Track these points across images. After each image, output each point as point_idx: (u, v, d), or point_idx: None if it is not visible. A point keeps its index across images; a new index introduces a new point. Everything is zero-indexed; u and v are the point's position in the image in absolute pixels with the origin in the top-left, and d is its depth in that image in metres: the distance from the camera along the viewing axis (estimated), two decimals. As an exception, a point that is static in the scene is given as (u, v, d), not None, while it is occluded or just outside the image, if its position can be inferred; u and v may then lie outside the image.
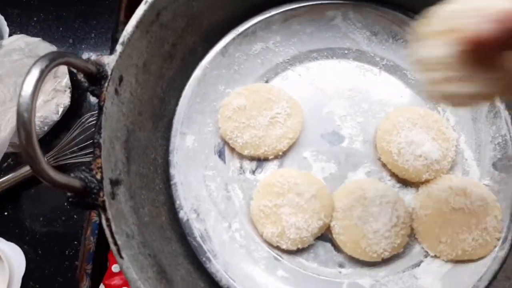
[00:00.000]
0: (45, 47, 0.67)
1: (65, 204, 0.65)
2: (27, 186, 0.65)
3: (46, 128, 0.65)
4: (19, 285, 0.59)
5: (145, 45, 0.44)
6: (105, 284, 0.65)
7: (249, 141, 0.49)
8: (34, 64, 0.32)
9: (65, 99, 0.67)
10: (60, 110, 0.66)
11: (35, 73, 0.32)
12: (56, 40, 0.71)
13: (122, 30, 0.75)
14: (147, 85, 0.45)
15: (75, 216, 0.64)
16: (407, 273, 0.47)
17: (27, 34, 0.68)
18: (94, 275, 0.64)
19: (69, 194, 0.37)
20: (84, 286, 0.64)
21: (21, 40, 0.67)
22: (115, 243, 0.36)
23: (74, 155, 0.66)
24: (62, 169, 0.63)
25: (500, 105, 0.51)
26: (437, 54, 0.31)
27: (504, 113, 0.51)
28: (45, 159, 0.33)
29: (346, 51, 0.53)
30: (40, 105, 0.63)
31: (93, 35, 0.73)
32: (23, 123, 0.31)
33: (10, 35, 0.71)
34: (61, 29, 0.73)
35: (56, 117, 0.66)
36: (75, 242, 0.63)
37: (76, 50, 0.72)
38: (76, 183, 0.36)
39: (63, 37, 0.72)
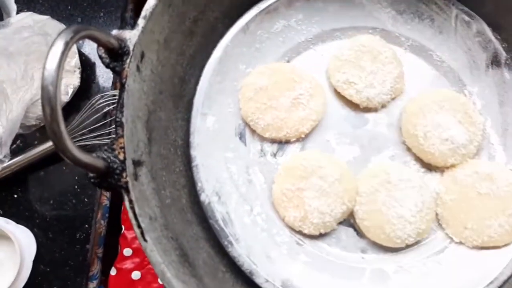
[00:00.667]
0: (54, 25, 0.65)
1: (75, 187, 0.64)
2: (36, 169, 0.64)
3: (55, 109, 0.63)
4: (30, 268, 0.58)
5: (167, 20, 0.42)
6: (116, 268, 0.65)
7: (271, 123, 0.47)
8: (58, 36, 0.31)
9: (74, 80, 0.66)
10: (70, 91, 0.65)
11: (59, 45, 0.30)
12: (64, 18, 0.70)
13: (131, 9, 0.73)
14: (167, 63, 0.44)
15: (85, 200, 0.63)
16: (431, 259, 0.46)
17: (35, 12, 0.66)
18: (105, 258, 0.64)
19: (91, 174, 0.36)
20: (95, 270, 0.63)
21: (29, 17, 0.65)
22: (139, 226, 0.35)
23: (84, 137, 0.65)
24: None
25: (528, 88, 0.50)
26: None
27: (532, 96, 0.49)
28: (70, 139, 0.31)
29: (370, 31, 0.52)
30: (49, 85, 0.62)
31: (101, 14, 0.71)
32: (48, 98, 0.30)
33: (17, 13, 0.69)
34: (69, 7, 0.71)
35: (66, 98, 0.65)
36: (86, 226, 0.63)
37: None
38: (99, 163, 0.35)
39: (71, 16, 0.71)
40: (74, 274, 0.61)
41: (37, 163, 0.63)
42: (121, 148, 0.36)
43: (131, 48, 0.38)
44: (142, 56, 0.39)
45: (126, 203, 0.36)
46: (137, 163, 0.38)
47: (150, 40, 0.40)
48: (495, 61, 0.51)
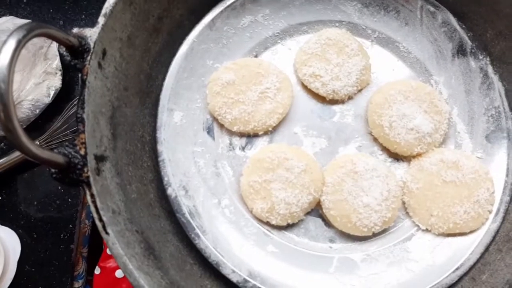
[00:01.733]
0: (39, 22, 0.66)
1: (59, 187, 0.64)
2: (21, 171, 0.65)
3: (37, 111, 0.64)
4: (15, 268, 0.59)
5: (129, 18, 0.42)
6: (100, 267, 0.65)
7: (238, 117, 0.48)
8: (10, 34, 0.32)
9: (56, 82, 0.66)
10: (52, 93, 0.66)
11: (11, 43, 0.31)
12: (46, 22, 0.70)
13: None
14: (132, 60, 0.44)
15: (69, 200, 0.64)
16: (398, 247, 0.46)
17: (17, 16, 0.67)
18: (90, 258, 0.64)
19: (52, 170, 0.36)
20: (80, 269, 0.64)
21: (10, 22, 0.66)
22: (100, 219, 0.36)
23: (67, 138, 0.65)
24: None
25: (494, 77, 0.50)
26: None
27: (498, 84, 0.50)
28: (26, 135, 0.32)
29: (337, 24, 0.52)
30: (31, 88, 0.63)
31: (83, 16, 0.72)
32: (0, 95, 0.30)
33: (-1, 17, 0.70)
34: (51, 10, 0.72)
35: (47, 100, 0.65)
36: (70, 226, 0.63)
37: (67, 32, 0.71)
38: (59, 158, 0.35)
39: (53, 19, 0.71)
40: (59, 274, 0.62)
41: (21, 165, 0.64)
42: (82, 143, 0.37)
43: (91, 45, 0.38)
44: (104, 53, 0.40)
45: (88, 197, 0.36)
46: (100, 158, 0.39)
47: (112, 37, 0.41)
48: (460, 51, 0.51)
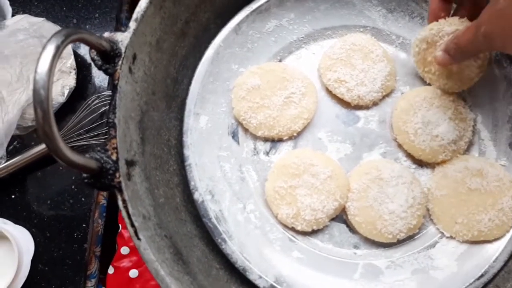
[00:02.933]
0: (50, 27, 0.65)
1: (72, 187, 0.64)
2: (33, 170, 0.65)
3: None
4: (29, 267, 0.59)
5: (158, 22, 0.42)
6: (114, 266, 0.65)
7: (263, 122, 0.48)
8: (49, 40, 0.31)
9: (70, 81, 0.66)
10: (66, 92, 0.65)
11: (50, 49, 0.31)
12: (60, 20, 0.70)
13: (127, 9, 0.74)
14: (160, 64, 0.44)
15: (82, 199, 0.64)
16: (422, 254, 0.46)
17: (30, 14, 0.67)
18: (103, 257, 0.64)
19: (84, 175, 0.36)
20: (93, 268, 0.64)
21: (24, 20, 0.65)
22: (133, 225, 0.36)
23: (81, 137, 0.65)
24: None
25: (518, 84, 0.50)
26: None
27: (522, 91, 0.50)
28: (62, 140, 0.32)
29: (361, 29, 0.52)
30: (45, 86, 0.62)
31: (97, 14, 0.71)
32: (40, 102, 0.30)
33: (13, 15, 0.69)
34: (64, 8, 0.71)
35: (62, 99, 0.65)
36: (83, 225, 0.63)
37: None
38: (92, 163, 0.35)
39: (66, 17, 0.71)
40: (72, 273, 0.62)
41: (34, 163, 0.64)
42: (114, 148, 0.37)
43: (123, 50, 0.38)
44: (134, 58, 0.40)
45: (120, 202, 0.36)
46: (130, 163, 0.39)
47: (142, 42, 0.41)
48: (485, 58, 0.51)
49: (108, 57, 0.38)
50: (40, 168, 0.65)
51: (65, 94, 0.65)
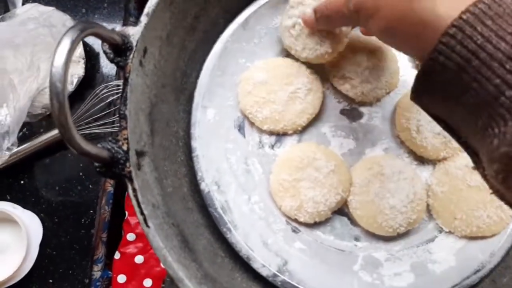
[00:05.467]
0: (60, 17, 0.66)
1: (80, 173, 0.66)
2: (42, 156, 0.66)
3: (61, 98, 0.65)
4: (37, 251, 0.61)
5: (169, 17, 0.43)
6: (120, 252, 0.67)
7: (269, 116, 0.49)
8: (65, 34, 0.32)
9: (79, 70, 0.67)
10: (75, 81, 0.66)
11: (66, 43, 0.32)
12: (69, 9, 0.71)
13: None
14: (170, 58, 0.45)
15: (90, 186, 0.65)
16: (421, 248, 0.48)
17: (40, 3, 0.67)
18: (109, 243, 0.66)
19: (96, 164, 0.37)
20: (100, 254, 0.65)
21: (34, 9, 0.66)
22: (142, 213, 0.37)
23: (89, 125, 0.66)
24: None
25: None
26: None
27: (524, 92, 0.50)
28: (77, 131, 0.33)
29: (367, 27, 0.53)
30: (55, 76, 0.63)
31: (105, 4, 0.72)
32: (56, 94, 0.31)
33: (23, 4, 0.70)
34: (73, -2, 0.72)
35: (71, 88, 0.66)
36: (91, 211, 0.64)
37: (89, 19, 0.71)
38: (104, 153, 0.37)
39: (75, 7, 0.72)
40: (79, 258, 0.63)
41: (43, 150, 0.65)
42: (124, 139, 0.38)
43: (134, 44, 0.39)
44: (145, 51, 0.41)
45: (130, 191, 0.38)
46: (140, 154, 0.40)
47: (153, 36, 0.42)
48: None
49: (120, 51, 0.39)
50: (48, 155, 0.66)
51: (74, 83, 0.66)
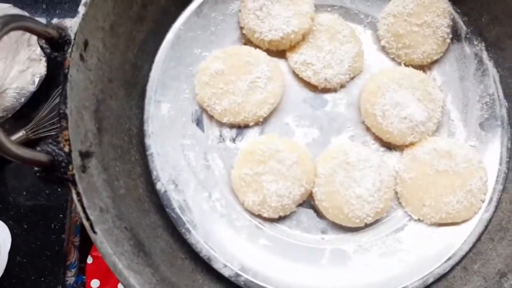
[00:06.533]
0: (16, 14, 0.63)
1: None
2: (8, 160, 0.63)
3: (23, 99, 0.63)
4: (6, 260, 0.58)
5: (112, 6, 0.41)
6: (93, 256, 0.65)
7: (228, 108, 0.47)
8: (-17, 29, 0.30)
9: (41, 69, 0.64)
10: (37, 80, 0.64)
11: (-15, 39, 0.29)
12: (29, 6, 0.68)
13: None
14: (116, 50, 0.42)
15: (59, 190, 0.63)
16: (390, 238, 0.46)
17: (-3, -1, 0.65)
18: (82, 247, 0.64)
19: (36, 168, 0.35)
20: (73, 259, 0.64)
21: (-12, 6, 0.63)
22: (87, 219, 0.35)
23: (54, 126, 0.64)
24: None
25: (488, 63, 0.49)
26: None
27: (492, 70, 0.49)
28: (5, 134, 0.31)
29: (328, 9, 0.51)
30: (15, 75, 0.61)
31: (67, -1, 0.69)
32: (-26, 94, 0.29)
33: (-22, 1, 0.67)
34: (33, -7, 0.69)
35: (32, 88, 0.64)
36: (61, 215, 0.62)
37: (50, 16, 0.68)
38: (42, 157, 0.34)
39: (36, 2, 0.69)
40: (51, 264, 0.61)
41: (7, 154, 0.63)
42: (66, 140, 0.35)
43: (72, 37, 0.37)
44: (86, 44, 0.38)
45: (74, 196, 0.35)
46: (85, 155, 0.38)
47: (94, 27, 0.39)
48: (455, 36, 0.50)
49: (58, 45, 0.37)
50: (14, 160, 0.64)
51: (36, 83, 0.64)
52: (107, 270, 0.65)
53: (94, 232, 0.35)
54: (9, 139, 0.31)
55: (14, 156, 0.32)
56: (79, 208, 0.35)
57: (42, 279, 0.61)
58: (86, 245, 0.65)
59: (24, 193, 0.63)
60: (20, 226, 0.62)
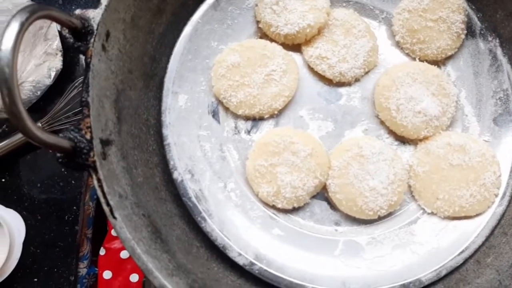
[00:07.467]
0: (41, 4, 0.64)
1: (62, 169, 0.64)
2: (23, 153, 0.65)
3: (39, 93, 0.64)
4: (20, 250, 0.59)
5: (132, -1, 0.42)
6: (105, 248, 0.66)
7: (244, 100, 0.47)
8: (13, 16, 0.31)
9: (57, 63, 0.65)
10: (53, 74, 0.65)
11: (15, 26, 0.30)
12: (45, 1, 0.69)
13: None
14: (136, 42, 0.43)
15: (73, 182, 0.64)
16: (403, 230, 0.46)
17: (15, -5, 0.66)
18: (95, 239, 0.65)
19: (58, 154, 0.36)
20: (85, 250, 0.64)
21: (8, 1, 0.64)
22: (108, 204, 0.36)
23: (69, 120, 0.65)
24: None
25: (503, 59, 0.49)
26: None
27: (507, 66, 0.49)
28: (31, 119, 0.32)
29: (344, 4, 0.51)
30: (32, 69, 0.62)
31: (83, -6, 0.70)
32: (5, 80, 0.30)
33: (-3, -5, 0.68)
34: (50, -13, 0.70)
35: (48, 81, 0.64)
36: (74, 208, 0.63)
37: (66, 10, 0.69)
38: (65, 143, 0.35)
39: (51, -2, 0.70)
40: (64, 255, 0.62)
41: (24, 147, 0.64)
42: (87, 127, 0.36)
43: (95, 27, 0.38)
44: (108, 35, 0.39)
45: (95, 182, 0.36)
46: (105, 142, 0.38)
47: (115, 18, 0.40)
48: (470, 32, 0.50)
49: (80, 35, 0.38)
50: (29, 152, 0.64)
51: (52, 76, 0.65)
52: (119, 262, 0.66)
53: (114, 218, 0.36)
54: (35, 124, 0.32)
55: (39, 141, 0.33)
56: (99, 193, 0.36)
57: (55, 269, 0.62)
58: (98, 238, 0.66)
59: (39, 185, 0.64)
60: (34, 217, 0.63)
